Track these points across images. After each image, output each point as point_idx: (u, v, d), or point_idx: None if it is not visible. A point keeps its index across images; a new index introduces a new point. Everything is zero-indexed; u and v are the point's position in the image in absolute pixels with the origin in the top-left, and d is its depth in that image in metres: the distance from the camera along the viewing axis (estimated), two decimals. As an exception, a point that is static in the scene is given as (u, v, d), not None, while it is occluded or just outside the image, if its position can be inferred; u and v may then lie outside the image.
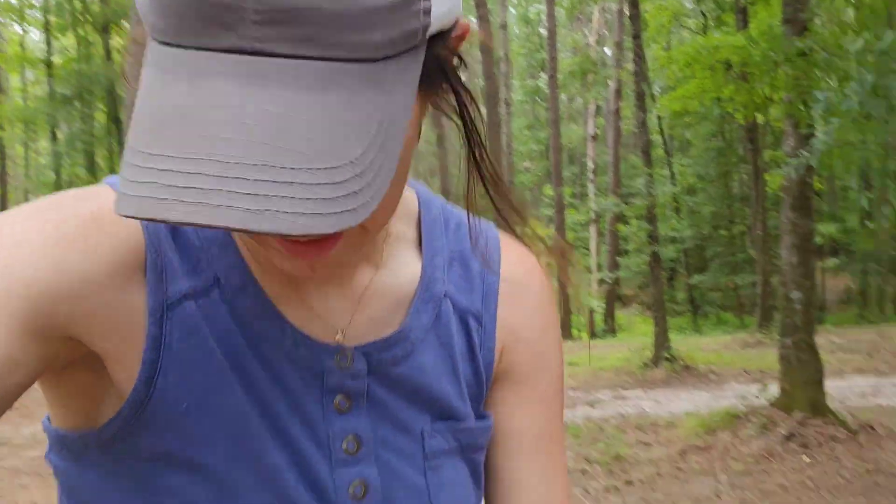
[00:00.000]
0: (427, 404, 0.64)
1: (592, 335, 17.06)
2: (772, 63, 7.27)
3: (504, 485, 0.70)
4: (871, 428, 6.18)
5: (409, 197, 0.68)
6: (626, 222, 21.75)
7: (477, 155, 0.57)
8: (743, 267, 23.89)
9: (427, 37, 0.47)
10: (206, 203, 0.39)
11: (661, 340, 10.55)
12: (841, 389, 8.38)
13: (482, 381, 0.69)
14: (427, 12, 0.46)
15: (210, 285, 0.57)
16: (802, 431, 5.92)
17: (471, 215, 0.64)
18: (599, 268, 18.86)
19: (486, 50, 11.52)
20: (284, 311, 0.59)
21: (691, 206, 25.49)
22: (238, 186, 0.39)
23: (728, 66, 9.33)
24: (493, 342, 0.68)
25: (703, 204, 25.47)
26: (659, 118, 20.59)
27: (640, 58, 11.20)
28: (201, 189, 0.39)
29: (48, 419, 0.62)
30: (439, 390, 0.65)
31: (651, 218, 11.10)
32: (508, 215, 0.62)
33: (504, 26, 17.38)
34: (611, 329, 21.01)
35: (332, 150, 0.42)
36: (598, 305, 18.82)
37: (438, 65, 0.51)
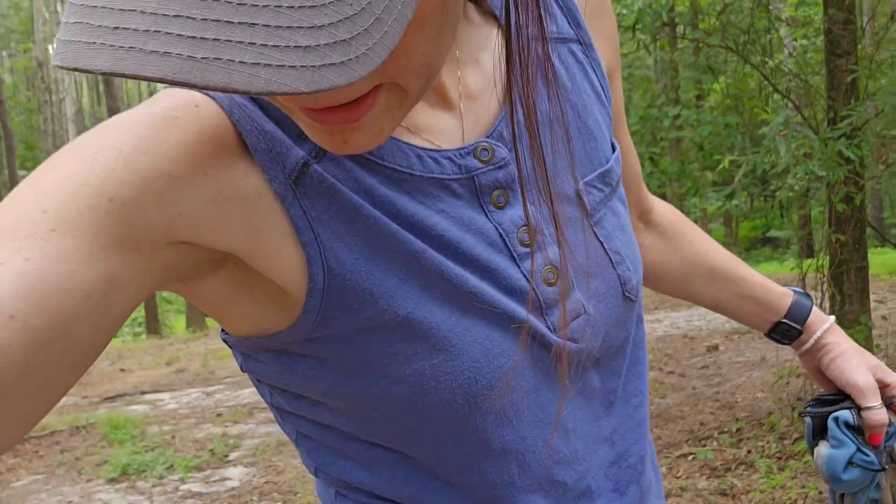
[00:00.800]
0: (568, 161, 0.61)
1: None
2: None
3: (625, 152, 0.75)
4: None
5: None
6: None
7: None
8: None
9: None
10: (138, 48, 0.31)
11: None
12: None
13: (606, 103, 0.67)
14: None
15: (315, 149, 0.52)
16: None
17: None
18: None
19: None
20: (405, 140, 0.55)
21: None
22: (180, 27, 0.31)
23: None
24: (598, 57, 0.66)
25: None
26: None
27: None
28: (134, 30, 0.31)
29: (224, 332, 0.58)
30: (575, 139, 0.62)
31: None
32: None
33: None
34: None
35: None
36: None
37: None
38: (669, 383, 6.25)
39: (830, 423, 0.78)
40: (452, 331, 0.55)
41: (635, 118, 3.54)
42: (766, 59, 3.86)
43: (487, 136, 0.57)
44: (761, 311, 0.86)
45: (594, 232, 0.62)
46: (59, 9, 32.09)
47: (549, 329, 0.59)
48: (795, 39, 5.12)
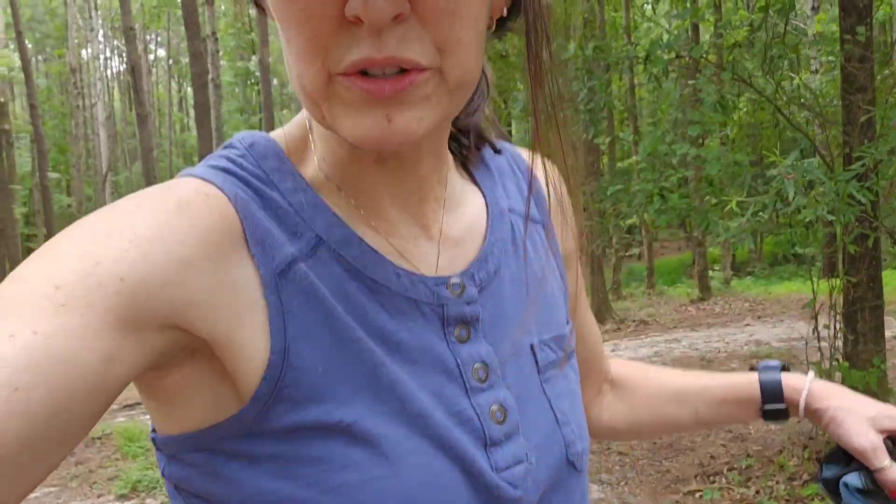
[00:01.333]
0: (528, 319, 0.66)
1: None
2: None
3: (585, 335, 0.81)
4: None
5: None
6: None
7: (539, 51, 0.56)
8: None
9: None
10: None
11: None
12: None
13: (563, 284, 0.73)
14: None
15: (314, 245, 0.56)
16: None
17: (493, 138, 0.72)
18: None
19: (193, 25, 10.80)
20: (389, 259, 0.59)
21: None
22: None
23: None
24: (558, 244, 0.74)
25: None
26: None
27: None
28: None
29: (154, 430, 0.58)
30: (534, 302, 0.67)
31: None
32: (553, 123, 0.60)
33: (211, 2, 15.69)
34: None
35: None
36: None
37: None
38: (683, 411, 6.16)
39: (841, 488, 0.75)
40: (394, 449, 0.55)
41: (643, 154, 3.53)
42: (781, 88, 3.81)
43: (461, 274, 0.62)
44: (739, 408, 0.84)
45: (543, 388, 0.65)
46: (92, 15, 32.70)
47: (491, 468, 0.59)
48: (819, 57, 5.04)
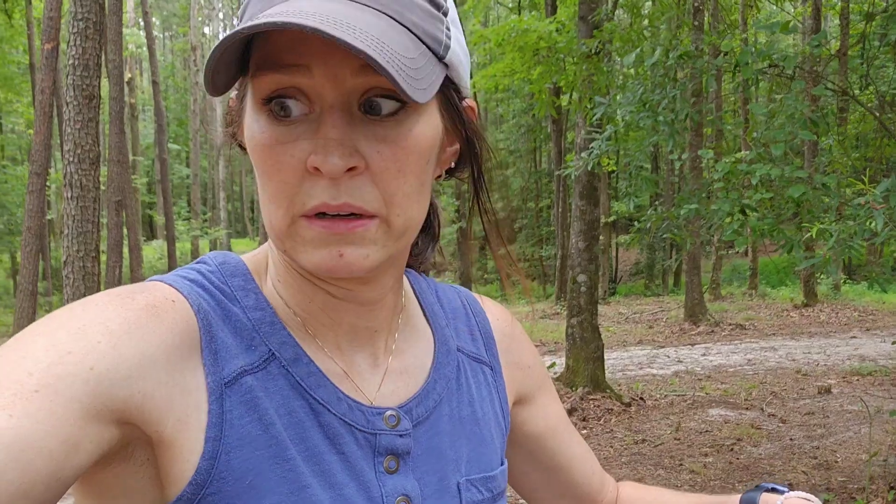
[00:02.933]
0: (460, 456, 0.68)
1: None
2: (571, 54, 7.36)
3: (567, 464, 0.83)
4: (642, 399, 6.99)
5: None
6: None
7: (482, 196, 0.68)
8: (548, 239, 25.53)
9: (446, 58, 0.58)
10: (329, 22, 0.49)
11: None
12: (623, 360, 9.59)
13: (503, 425, 0.76)
14: (448, 34, 0.59)
15: (266, 359, 0.59)
16: (583, 405, 6.51)
17: (444, 282, 0.79)
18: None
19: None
20: (333, 381, 0.62)
21: (502, 179, 27.03)
22: (357, 24, 0.51)
23: (536, 49, 9.43)
24: (504, 386, 0.77)
25: (513, 178, 26.90)
26: (475, 92, 21.37)
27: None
28: (322, 15, 0.49)
29: None
30: (469, 441, 0.70)
31: (459, 194, 11.57)
32: (495, 242, 0.71)
33: None
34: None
35: (407, 50, 0.53)
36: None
37: (455, 106, 0.62)
38: (766, 430, 5.89)
39: None
40: None
41: (719, 174, 3.34)
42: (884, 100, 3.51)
43: (400, 407, 0.65)
44: None
45: None
46: (214, -5, 34.13)
47: None
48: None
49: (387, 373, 0.67)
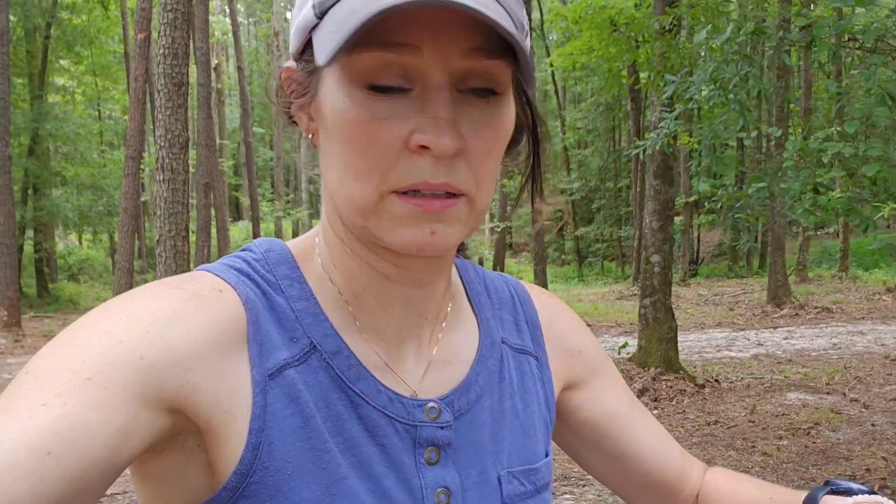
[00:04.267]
0: (502, 449, 0.68)
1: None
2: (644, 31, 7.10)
3: (636, 452, 0.79)
4: (717, 381, 6.82)
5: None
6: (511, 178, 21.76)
7: (536, 167, 0.69)
8: (626, 219, 24.59)
9: (525, 43, 0.57)
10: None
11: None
12: (700, 342, 9.31)
13: (547, 417, 0.74)
14: (526, 29, 0.58)
15: (307, 352, 0.60)
16: (655, 386, 6.40)
17: (497, 272, 0.79)
18: (491, 217, 18.70)
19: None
20: (374, 373, 0.62)
21: (580, 159, 26.29)
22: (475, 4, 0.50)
23: (614, 26, 9.08)
24: (551, 375, 0.75)
25: (591, 157, 26.16)
26: (552, 70, 20.21)
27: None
28: None
29: None
30: (511, 433, 0.69)
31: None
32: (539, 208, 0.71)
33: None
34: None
35: (516, 30, 0.53)
36: (488, 253, 19.48)
37: (524, 92, 0.64)
38: (847, 414, 5.72)
39: None
40: None
41: (790, 153, 3.25)
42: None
43: (441, 399, 0.65)
44: None
45: None
46: (295, -19, 34.68)
47: None
48: None
49: (431, 364, 0.66)
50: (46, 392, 0.47)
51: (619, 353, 7.46)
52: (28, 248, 20.12)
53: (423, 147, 0.54)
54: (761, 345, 9.17)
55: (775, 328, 10.69)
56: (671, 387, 6.48)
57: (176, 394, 0.52)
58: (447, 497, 0.63)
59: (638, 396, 6.25)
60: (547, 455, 0.73)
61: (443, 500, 0.63)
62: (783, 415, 5.80)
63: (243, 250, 0.66)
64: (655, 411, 5.99)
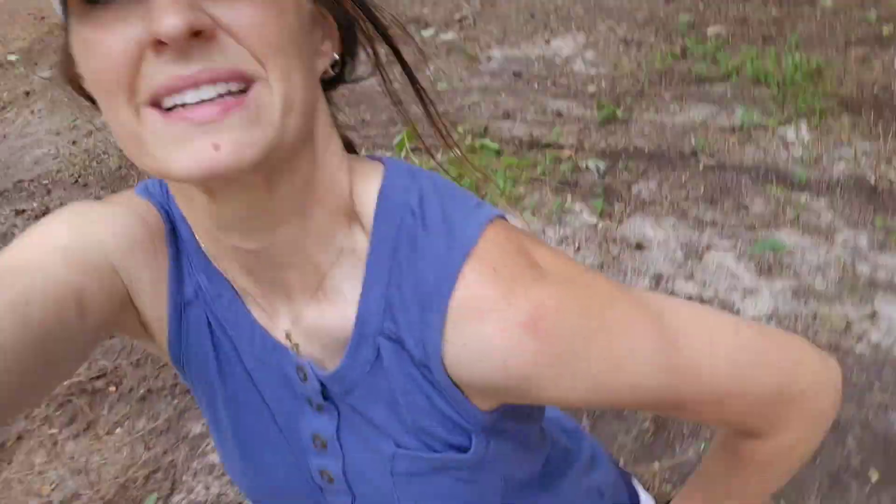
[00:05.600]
0: (385, 431, 0.62)
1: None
2: None
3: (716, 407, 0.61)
4: None
5: (367, 192, 0.58)
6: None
7: (410, 76, 0.60)
8: None
9: None
10: None
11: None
12: None
13: (447, 419, 0.60)
14: None
15: (196, 289, 0.63)
16: None
17: (441, 218, 0.56)
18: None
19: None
20: (253, 312, 0.62)
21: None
22: None
23: None
24: (451, 384, 0.57)
25: None
26: None
27: None
28: None
29: None
30: (388, 436, 0.62)
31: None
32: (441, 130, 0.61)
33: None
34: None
35: None
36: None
37: None
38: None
39: None
40: (255, 453, 0.69)
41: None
42: None
43: (312, 363, 0.62)
44: None
45: (393, 482, 0.64)
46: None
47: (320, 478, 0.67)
48: None
49: (304, 335, 0.61)
50: (21, 253, 0.54)
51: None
52: None
53: (161, 43, 0.43)
54: None
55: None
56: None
57: (119, 269, 0.58)
58: (322, 442, 0.64)
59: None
60: (461, 451, 0.62)
61: (318, 444, 0.64)
62: None
63: (145, 182, 0.66)
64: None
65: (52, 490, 2.18)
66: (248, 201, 0.52)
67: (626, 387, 0.56)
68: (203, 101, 0.44)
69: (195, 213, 0.56)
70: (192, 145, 0.44)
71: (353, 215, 0.57)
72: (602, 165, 3.23)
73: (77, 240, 0.55)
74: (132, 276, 0.59)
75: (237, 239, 0.55)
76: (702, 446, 2.04)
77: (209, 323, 0.63)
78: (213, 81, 0.44)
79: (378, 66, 0.59)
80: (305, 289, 0.59)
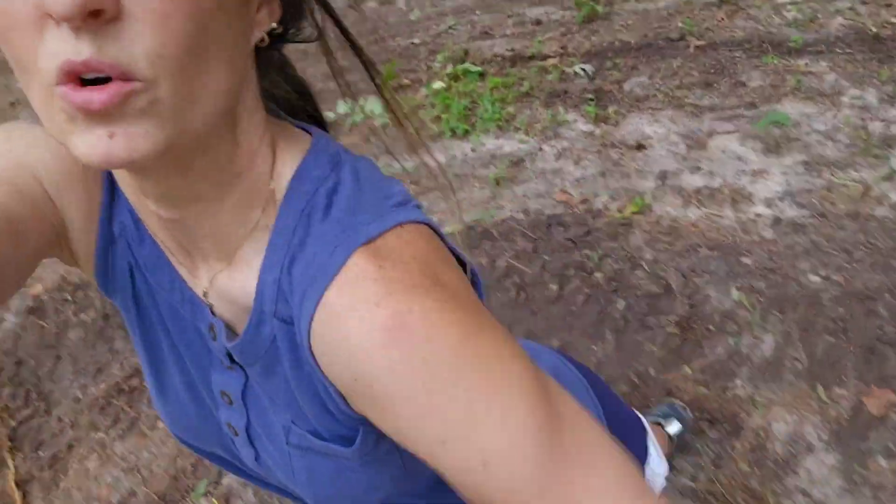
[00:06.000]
0: (282, 405, 0.62)
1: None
2: None
3: None
4: None
5: (284, 173, 0.57)
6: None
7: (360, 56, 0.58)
8: None
9: None
10: None
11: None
12: None
13: (328, 412, 0.58)
14: None
15: (122, 230, 0.63)
16: None
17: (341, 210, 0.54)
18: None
19: None
20: (173, 263, 0.62)
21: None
22: None
23: None
24: (324, 379, 0.54)
25: None
26: None
27: None
28: None
29: None
30: (284, 410, 0.62)
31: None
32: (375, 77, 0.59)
33: None
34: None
35: None
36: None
37: None
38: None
39: None
40: (167, 391, 0.71)
41: None
42: None
43: (220, 328, 0.62)
44: None
45: (288, 453, 0.64)
46: None
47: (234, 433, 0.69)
48: None
49: (214, 284, 0.60)
50: None
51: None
52: None
53: (49, 14, 0.39)
54: None
55: None
56: None
57: (53, 192, 0.58)
58: (228, 398, 0.66)
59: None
60: (345, 444, 0.60)
61: (225, 400, 0.66)
62: None
63: None
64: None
65: (110, 492, 2.26)
66: (161, 180, 0.52)
67: (477, 452, 0.46)
68: (99, 81, 0.41)
69: (119, 171, 0.58)
70: (90, 133, 0.42)
71: (268, 193, 0.56)
72: (589, 68, 3.12)
73: (11, 167, 0.56)
74: (65, 204, 0.59)
75: (155, 207, 0.55)
76: (730, 341, 2.02)
77: (129, 264, 0.64)
78: (102, 72, 0.41)
79: (320, 35, 0.56)
80: (220, 257, 0.58)
